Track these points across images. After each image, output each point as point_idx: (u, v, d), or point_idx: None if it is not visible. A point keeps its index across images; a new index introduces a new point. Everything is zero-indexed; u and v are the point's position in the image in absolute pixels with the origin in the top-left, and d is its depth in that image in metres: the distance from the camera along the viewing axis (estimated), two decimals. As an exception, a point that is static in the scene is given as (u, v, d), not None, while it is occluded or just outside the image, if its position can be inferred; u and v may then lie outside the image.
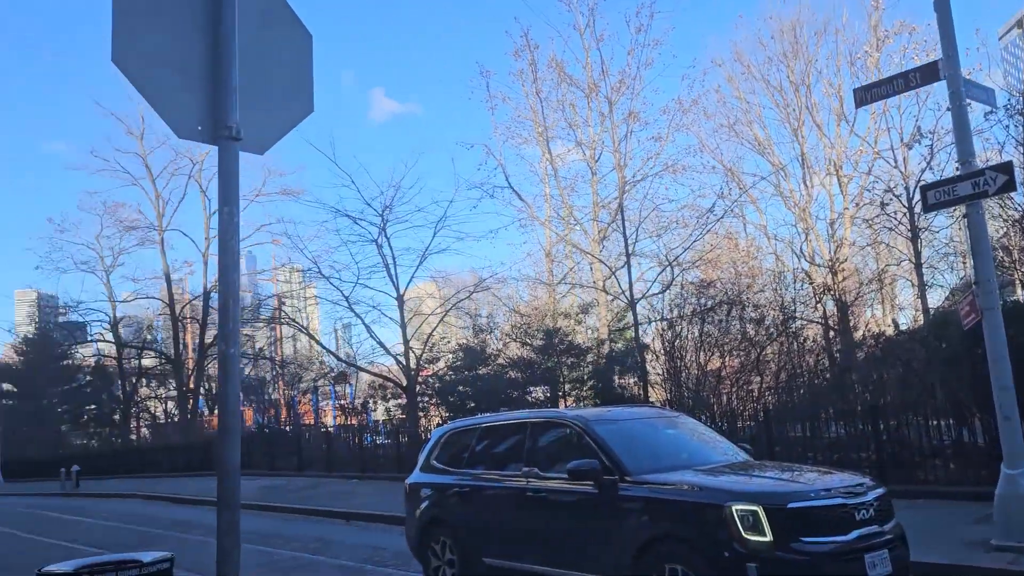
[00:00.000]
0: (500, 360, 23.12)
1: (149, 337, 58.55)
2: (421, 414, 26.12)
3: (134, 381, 55.38)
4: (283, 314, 38.25)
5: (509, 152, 76.56)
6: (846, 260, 27.03)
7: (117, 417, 56.46)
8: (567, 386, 21.57)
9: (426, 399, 27.75)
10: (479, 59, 58.72)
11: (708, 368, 18.46)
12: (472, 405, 23.69)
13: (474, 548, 7.98)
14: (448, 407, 24.06)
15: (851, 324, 22.56)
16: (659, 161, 26.65)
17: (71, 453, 47.80)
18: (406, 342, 27.08)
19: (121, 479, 36.52)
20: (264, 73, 3.78)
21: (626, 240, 21.94)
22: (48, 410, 60.77)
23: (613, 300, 25.64)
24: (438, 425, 23.04)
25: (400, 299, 26.95)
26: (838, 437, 13.82)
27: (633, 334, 20.78)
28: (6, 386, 67.10)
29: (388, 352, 28.30)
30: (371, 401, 32.50)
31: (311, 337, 38.17)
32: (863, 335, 19.95)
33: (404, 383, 27.49)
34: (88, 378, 62.10)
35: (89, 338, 58.82)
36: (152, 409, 62.05)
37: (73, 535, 16.40)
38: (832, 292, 22.32)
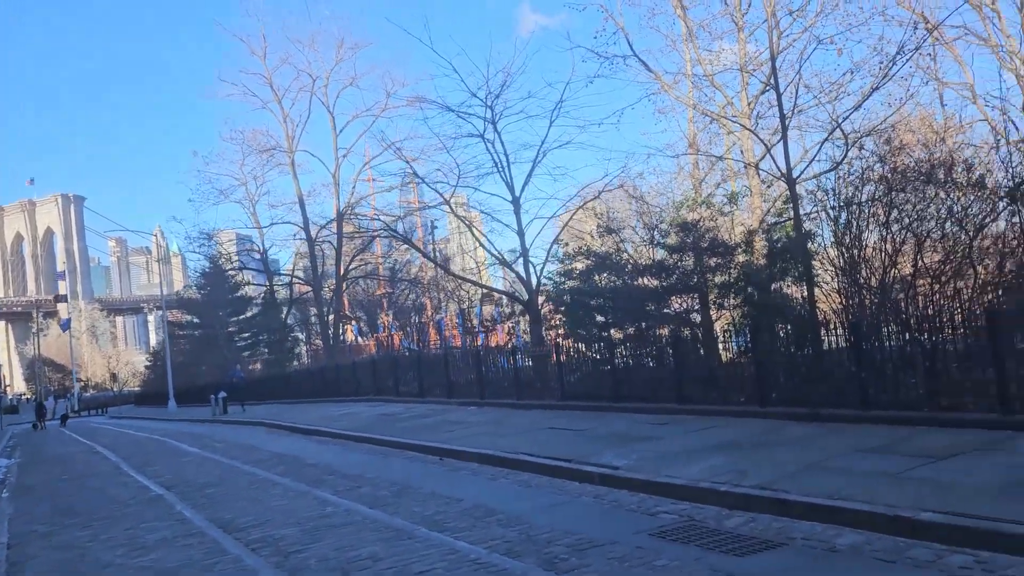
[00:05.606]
0: (629, 268, 19.34)
1: (302, 264, 59.19)
2: (547, 332, 22.95)
3: (287, 309, 56.46)
4: (384, 224, 35.69)
5: (632, 15, 68.58)
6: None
7: (288, 345, 58.13)
8: (712, 294, 17.63)
9: (558, 316, 24.60)
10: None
11: (898, 262, 13.88)
12: (603, 320, 20.61)
13: None
14: (574, 323, 20.79)
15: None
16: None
17: (233, 380, 49.32)
18: (525, 251, 23.61)
19: (269, 404, 36.79)
20: None
21: (780, 101, 16.82)
22: (227, 339, 63.76)
23: (769, 186, 20.86)
24: (559, 343, 19.89)
25: (516, 202, 23.45)
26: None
27: (794, 223, 16.23)
28: (188, 317, 71.46)
29: (503, 262, 25.04)
30: (494, 321, 29.83)
31: (412, 246, 35.19)
32: None
33: (525, 298, 24.32)
34: (258, 308, 64.74)
35: (240, 267, 60.17)
36: (313, 335, 63.71)
37: (164, 471, 16.47)
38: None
